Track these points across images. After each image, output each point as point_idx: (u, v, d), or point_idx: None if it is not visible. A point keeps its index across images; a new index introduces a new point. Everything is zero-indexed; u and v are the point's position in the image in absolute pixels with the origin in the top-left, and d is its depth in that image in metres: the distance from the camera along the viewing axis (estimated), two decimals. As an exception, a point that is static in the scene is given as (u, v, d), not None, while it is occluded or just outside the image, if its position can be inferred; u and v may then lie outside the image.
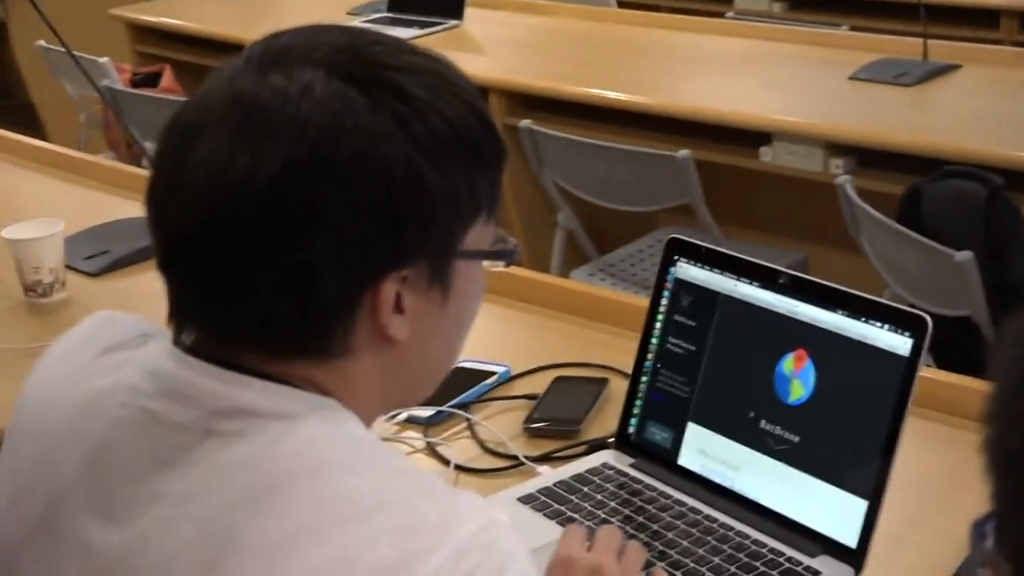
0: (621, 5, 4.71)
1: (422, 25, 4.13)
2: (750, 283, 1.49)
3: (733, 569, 1.37)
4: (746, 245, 3.35)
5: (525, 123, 3.36)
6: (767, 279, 1.48)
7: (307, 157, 0.92)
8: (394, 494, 0.93)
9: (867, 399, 1.37)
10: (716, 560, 1.38)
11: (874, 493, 1.34)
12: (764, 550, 1.39)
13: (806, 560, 1.37)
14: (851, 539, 1.36)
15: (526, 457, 1.63)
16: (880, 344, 1.37)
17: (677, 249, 1.58)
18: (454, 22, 4.16)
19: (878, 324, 1.37)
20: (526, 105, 3.61)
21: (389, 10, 4.31)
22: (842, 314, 1.40)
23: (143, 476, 0.96)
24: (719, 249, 1.55)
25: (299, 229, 0.93)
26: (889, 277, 2.78)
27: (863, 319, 1.39)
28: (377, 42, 1.00)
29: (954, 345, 2.64)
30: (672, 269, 1.58)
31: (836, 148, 3.09)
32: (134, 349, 1.04)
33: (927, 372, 1.77)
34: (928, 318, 1.34)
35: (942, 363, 2.52)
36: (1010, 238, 2.56)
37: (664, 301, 1.58)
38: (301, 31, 1.01)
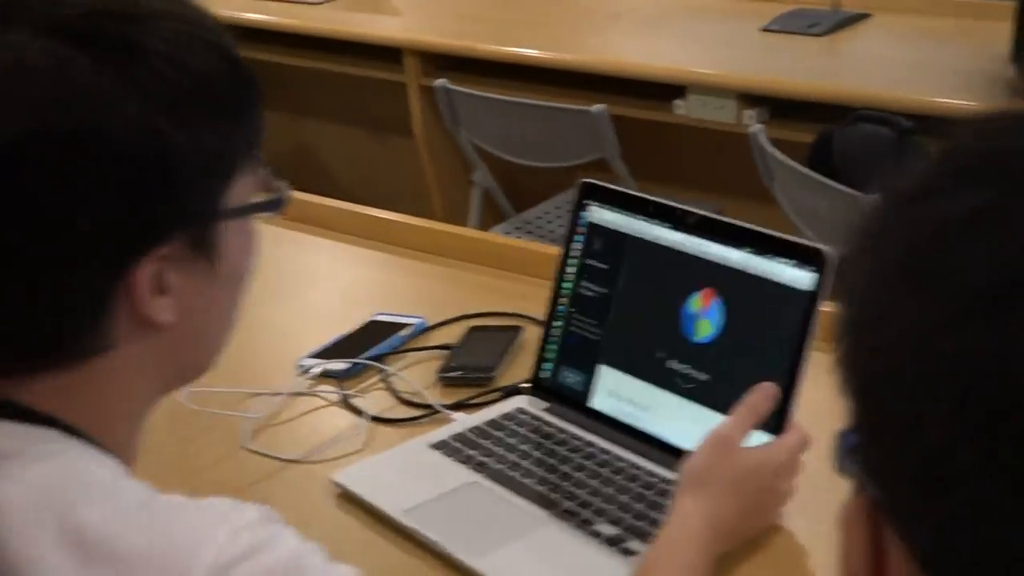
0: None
1: (334, -14, 4.09)
2: (660, 224, 1.49)
3: (640, 507, 1.37)
4: (662, 197, 3.35)
5: (440, 82, 3.35)
6: (675, 219, 1.48)
7: (25, 136, 0.81)
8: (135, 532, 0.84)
9: (774, 335, 1.37)
10: (624, 499, 1.39)
11: (778, 428, 1.34)
12: (672, 485, 1.40)
13: None
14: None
15: (441, 406, 1.62)
16: (784, 280, 1.37)
17: (589, 193, 1.58)
18: (366, -16, 4.13)
19: (782, 260, 1.38)
20: (441, 65, 3.60)
21: (301, -27, 4.25)
22: (748, 251, 1.41)
23: None
24: (630, 192, 1.56)
25: (29, 221, 0.82)
26: (803, 224, 2.80)
27: (768, 255, 1.39)
28: None
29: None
30: (584, 213, 1.58)
31: (749, 99, 3.11)
32: None
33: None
34: (830, 250, 1.35)
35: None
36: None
37: (577, 245, 1.58)
38: None
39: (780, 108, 3.09)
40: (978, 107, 0.57)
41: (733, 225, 1.44)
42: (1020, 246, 0.51)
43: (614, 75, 3.30)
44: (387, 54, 3.69)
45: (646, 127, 3.36)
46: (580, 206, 1.58)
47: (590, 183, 1.58)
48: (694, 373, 1.43)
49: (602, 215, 1.56)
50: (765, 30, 3.40)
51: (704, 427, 1.35)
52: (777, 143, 2.85)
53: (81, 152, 0.82)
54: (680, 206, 1.49)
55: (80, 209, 0.82)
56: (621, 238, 1.53)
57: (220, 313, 0.97)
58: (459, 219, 3.53)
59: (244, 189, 0.93)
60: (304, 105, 4.41)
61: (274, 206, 0.97)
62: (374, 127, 4.22)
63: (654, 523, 1.34)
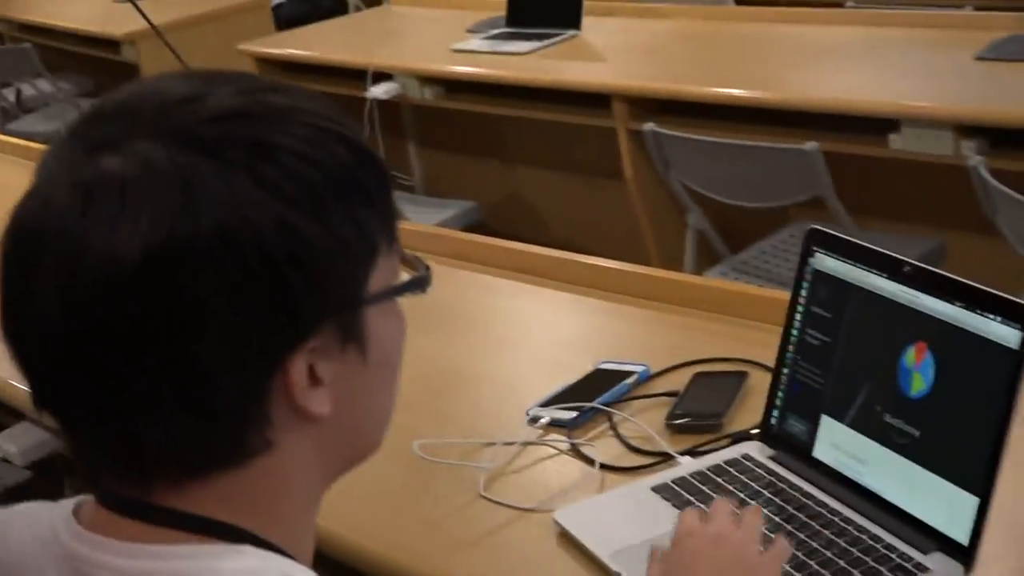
0: (739, 2, 4.70)
1: (541, 37, 4.17)
2: (878, 273, 1.49)
3: (842, 563, 1.37)
4: (882, 235, 3.31)
5: (649, 126, 3.37)
6: (891, 269, 1.47)
7: (164, 244, 0.81)
8: None
9: (982, 392, 1.35)
10: (828, 554, 1.39)
11: (984, 489, 1.33)
12: (879, 545, 1.39)
13: (918, 556, 1.36)
14: (963, 536, 1.35)
15: (669, 451, 1.64)
16: (991, 336, 1.35)
17: (815, 240, 1.58)
18: (573, 32, 4.19)
19: (990, 315, 1.35)
20: (648, 109, 3.62)
21: (507, 25, 4.35)
22: (959, 305, 1.39)
23: None
24: (851, 239, 1.55)
25: (176, 328, 0.82)
26: (1029, 257, 2.74)
27: (977, 310, 1.37)
28: (214, 88, 0.88)
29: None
30: (811, 260, 1.58)
31: (966, 130, 3.04)
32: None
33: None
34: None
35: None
36: None
37: (803, 292, 1.58)
38: (130, 89, 0.90)
39: (1000, 138, 3.03)
40: None
41: (942, 277, 1.42)
42: None
43: (825, 111, 3.28)
44: (595, 100, 3.73)
45: (860, 162, 3.32)
46: (807, 252, 1.58)
47: (817, 229, 1.58)
48: (908, 428, 1.42)
49: (826, 262, 1.56)
50: (979, 58, 3.33)
51: (914, 483, 1.34)
52: (998, 174, 2.79)
53: (221, 254, 0.82)
54: (895, 256, 1.47)
55: (223, 313, 0.82)
56: (844, 286, 1.52)
57: (376, 398, 0.96)
58: (674, 262, 3.55)
59: (386, 271, 0.93)
60: (517, 154, 4.49)
61: (418, 285, 0.97)
62: (585, 173, 4.27)
63: (851, 580, 1.33)
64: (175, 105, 0.86)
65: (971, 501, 1.33)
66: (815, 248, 1.58)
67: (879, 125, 3.18)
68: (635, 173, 3.69)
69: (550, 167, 4.41)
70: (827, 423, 1.52)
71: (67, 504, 0.95)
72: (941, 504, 1.37)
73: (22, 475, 2.45)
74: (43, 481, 2.51)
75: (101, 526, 0.90)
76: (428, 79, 4.18)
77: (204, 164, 0.83)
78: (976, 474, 1.34)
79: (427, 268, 0.98)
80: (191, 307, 0.82)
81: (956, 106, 3.09)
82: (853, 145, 3.28)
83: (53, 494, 2.51)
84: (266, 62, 4.80)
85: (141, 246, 0.81)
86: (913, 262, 1.46)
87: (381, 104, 4.23)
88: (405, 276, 0.97)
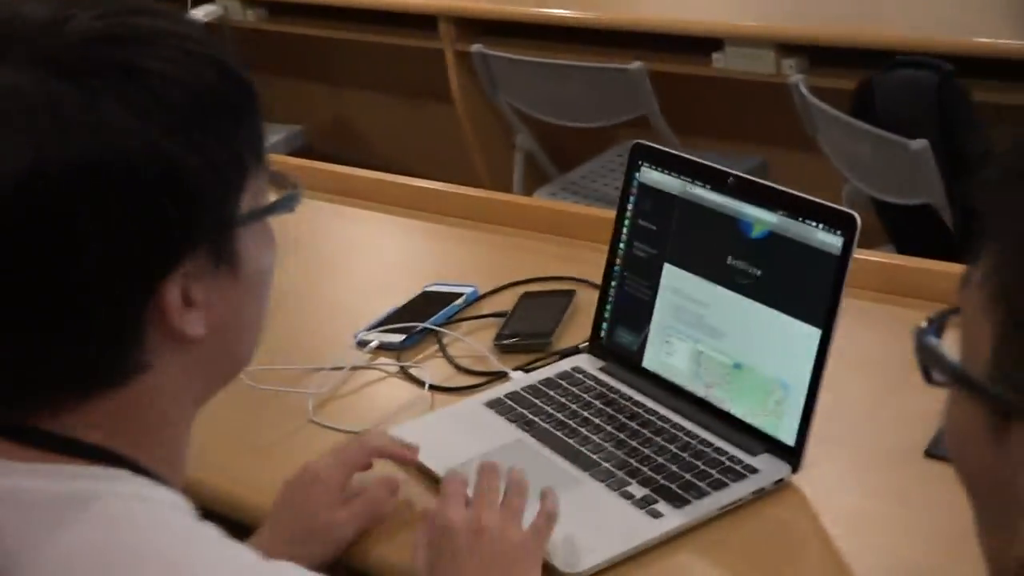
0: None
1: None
2: (703, 185, 1.50)
3: (674, 468, 1.39)
4: (706, 153, 3.34)
5: (476, 47, 3.35)
6: (716, 181, 1.49)
7: (34, 172, 0.80)
8: None
9: (808, 291, 1.39)
10: (660, 460, 1.41)
11: (808, 396, 1.37)
12: (709, 449, 1.42)
13: (746, 458, 1.39)
14: (789, 438, 1.38)
15: (502, 369, 1.64)
16: (814, 243, 1.38)
17: (640, 154, 1.59)
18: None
19: (813, 223, 1.38)
20: (476, 30, 3.60)
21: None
22: (782, 214, 1.41)
23: None
24: (676, 152, 1.56)
25: (49, 255, 0.82)
26: (848, 172, 2.80)
27: (800, 218, 1.39)
28: (77, 11, 0.86)
29: (915, 232, 2.67)
30: (636, 174, 1.59)
31: (787, 49, 3.10)
32: None
33: (887, 257, 1.81)
34: (856, 216, 1.35)
35: (904, 250, 2.56)
36: (962, 122, 2.58)
37: (630, 206, 1.59)
38: None
39: (819, 56, 3.08)
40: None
41: (768, 187, 1.44)
42: None
43: (650, 31, 3.29)
44: (422, 21, 3.69)
45: (685, 82, 3.36)
46: (633, 166, 1.59)
47: (642, 144, 1.59)
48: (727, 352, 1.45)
49: (651, 176, 1.56)
50: (800, -22, 3.38)
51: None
52: (818, 92, 2.84)
53: (94, 183, 0.82)
54: (721, 168, 1.49)
55: (97, 239, 0.82)
56: (670, 199, 1.53)
57: (249, 317, 0.97)
58: (503, 183, 3.55)
59: (256, 192, 0.93)
60: (342, 77, 4.43)
61: (286, 204, 0.98)
62: (413, 96, 4.24)
63: (686, 485, 1.36)
64: (38, 29, 0.84)
65: (798, 398, 1.36)
66: (640, 162, 1.58)
67: (703, 44, 3.22)
68: (463, 95, 3.66)
69: (377, 90, 4.36)
70: (668, 271, 1.53)
71: None
72: (769, 400, 1.40)
73: None
74: None
75: None
76: (251, 1, 4.08)
77: (71, 90, 0.82)
78: (798, 377, 1.37)
79: (295, 186, 0.99)
80: (64, 234, 0.82)
81: (777, 25, 3.14)
82: (677, 65, 3.31)
83: None
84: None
85: (12, 173, 0.80)
86: (737, 173, 1.47)
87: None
88: (273, 196, 0.98)
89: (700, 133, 3.57)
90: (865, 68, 2.82)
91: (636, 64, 3.07)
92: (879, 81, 2.69)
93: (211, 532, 0.89)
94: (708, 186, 1.50)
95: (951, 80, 2.58)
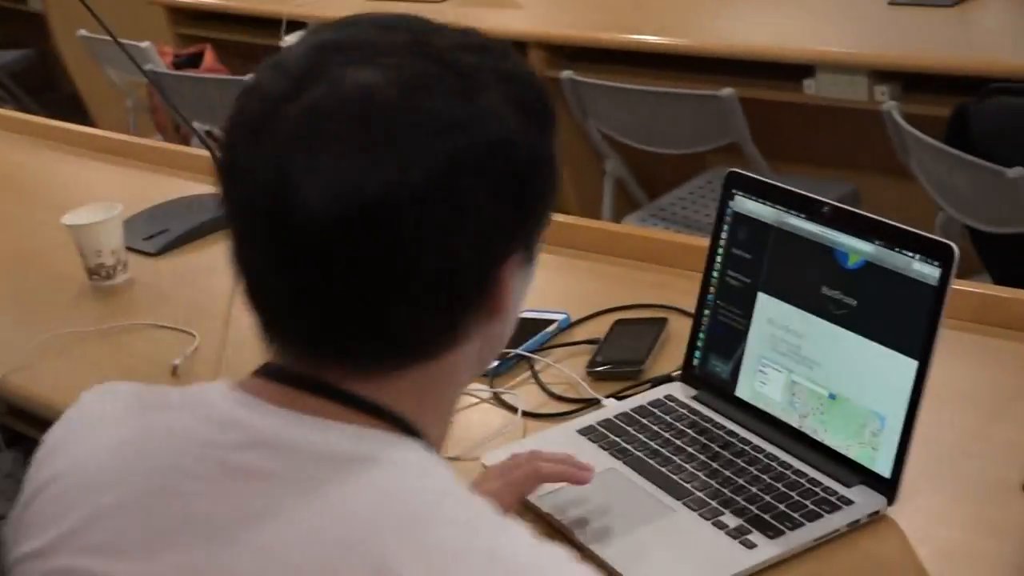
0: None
1: (458, -15, 4.14)
2: (797, 214, 1.50)
3: (768, 498, 1.39)
4: (797, 179, 3.34)
5: (566, 74, 3.37)
6: (810, 209, 1.48)
7: (447, 156, 0.88)
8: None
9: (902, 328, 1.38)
10: (753, 490, 1.40)
11: (904, 428, 1.36)
12: (803, 480, 1.41)
13: (841, 489, 1.39)
14: (886, 469, 1.37)
15: (594, 396, 1.65)
16: (911, 273, 1.37)
17: (734, 182, 1.59)
18: (489, -20, 4.17)
19: (909, 253, 1.38)
20: (566, 56, 3.62)
21: (423, -28, 4.31)
22: (879, 244, 1.41)
23: (219, 527, 0.90)
24: (770, 181, 1.56)
25: (444, 232, 0.89)
26: (942, 201, 2.77)
27: (896, 248, 1.39)
28: (437, 30, 0.95)
29: (1011, 262, 2.63)
30: (731, 202, 1.59)
31: (880, 75, 3.08)
32: (172, 408, 0.99)
33: (983, 287, 1.79)
34: (954, 246, 1.34)
35: (1000, 280, 2.53)
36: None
37: (723, 234, 1.59)
38: (347, 27, 0.95)
39: (913, 83, 3.06)
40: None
41: (864, 217, 1.44)
42: None
43: (741, 58, 3.29)
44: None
45: (776, 108, 3.35)
46: (727, 195, 1.59)
47: (737, 173, 1.59)
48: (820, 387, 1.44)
49: (745, 205, 1.57)
50: (892, 3, 3.36)
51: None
52: (911, 118, 2.82)
53: (490, 163, 0.90)
54: (815, 197, 1.48)
55: (486, 215, 0.91)
56: (764, 228, 1.53)
57: (519, 306, 1.02)
58: (592, 209, 3.55)
59: None
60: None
61: None
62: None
63: (780, 516, 1.36)
64: (403, 45, 0.92)
65: (893, 434, 1.36)
66: (735, 191, 1.59)
67: (794, 70, 3.21)
68: (553, 121, 3.67)
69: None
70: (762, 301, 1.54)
71: (212, 390, 0.97)
72: (865, 432, 1.39)
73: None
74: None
75: (274, 398, 0.94)
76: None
77: (461, 85, 0.90)
78: (896, 411, 1.36)
79: None
80: (459, 211, 0.89)
81: (870, 51, 3.12)
82: (768, 91, 3.30)
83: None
84: (177, 11, 4.74)
85: (431, 158, 0.88)
86: (832, 202, 1.47)
87: (295, 53, 4.17)
88: None
89: (791, 159, 3.56)
90: (959, 95, 2.80)
91: (727, 91, 3.06)
92: (974, 108, 2.67)
93: (490, 507, 0.92)
94: (803, 215, 1.49)
95: (1048, 107, 2.55)
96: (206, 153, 2.43)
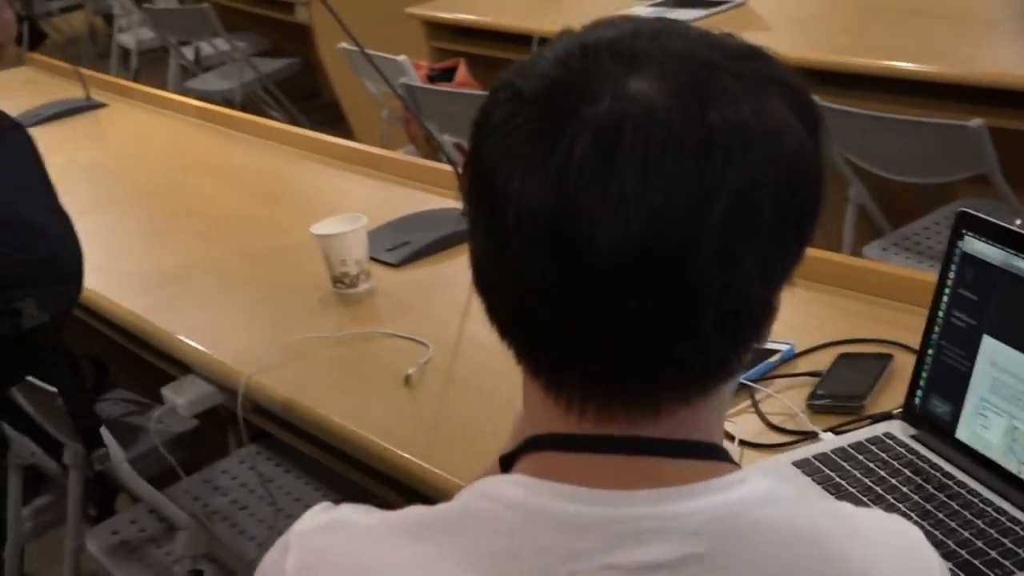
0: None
1: (708, 5, 4.16)
2: (1028, 258, 1.48)
3: (980, 544, 1.37)
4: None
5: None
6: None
7: (755, 173, 0.80)
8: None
9: None
10: (966, 534, 1.39)
11: None
12: (1018, 528, 1.39)
13: None
14: None
15: (812, 429, 1.66)
16: None
17: (964, 223, 1.58)
18: (739, 1, 4.17)
19: None
20: (813, 79, 3.59)
21: (675, -8, 4.34)
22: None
23: None
24: (1001, 224, 1.54)
25: (741, 251, 0.81)
26: None
27: None
28: (702, 36, 0.86)
29: None
30: (959, 243, 1.58)
31: None
32: (467, 528, 0.86)
33: None
34: None
35: None
36: None
37: (951, 274, 1.58)
38: (610, 28, 0.86)
39: None
40: None
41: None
42: None
43: (993, 86, 3.21)
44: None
45: (1028, 139, 3.26)
46: (956, 235, 1.58)
47: (967, 213, 1.58)
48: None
49: (974, 246, 1.55)
50: None
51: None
52: None
53: (788, 180, 0.82)
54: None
55: (777, 232, 0.83)
56: (993, 271, 1.52)
57: None
58: (834, 235, 3.52)
59: None
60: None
61: None
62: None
63: (991, 563, 1.34)
64: (690, 40, 0.85)
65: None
66: (964, 231, 1.57)
67: (1049, 102, 3.11)
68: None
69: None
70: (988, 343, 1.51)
71: (494, 485, 0.87)
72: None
73: (189, 423, 2.57)
74: (208, 430, 2.62)
75: (600, 478, 0.85)
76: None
77: (752, 90, 0.83)
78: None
79: None
80: (758, 228, 0.81)
81: None
82: (1019, 121, 3.21)
83: (218, 443, 2.62)
84: (435, 25, 4.87)
85: (749, 171, 0.80)
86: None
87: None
88: None
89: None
90: None
91: (976, 121, 2.99)
92: None
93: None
94: (1034, 260, 1.48)
95: None
96: (450, 168, 2.53)
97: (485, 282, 0.87)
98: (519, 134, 0.82)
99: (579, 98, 0.80)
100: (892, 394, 1.70)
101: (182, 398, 2.16)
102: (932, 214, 3.44)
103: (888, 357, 1.79)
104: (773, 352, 1.84)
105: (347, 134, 5.41)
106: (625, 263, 0.79)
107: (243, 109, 5.72)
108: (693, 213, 0.79)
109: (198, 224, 2.83)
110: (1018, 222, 3.03)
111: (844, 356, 1.82)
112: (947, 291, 1.59)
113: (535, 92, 0.82)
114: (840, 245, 3.46)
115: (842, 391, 1.73)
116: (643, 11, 4.22)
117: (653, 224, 0.78)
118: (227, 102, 5.93)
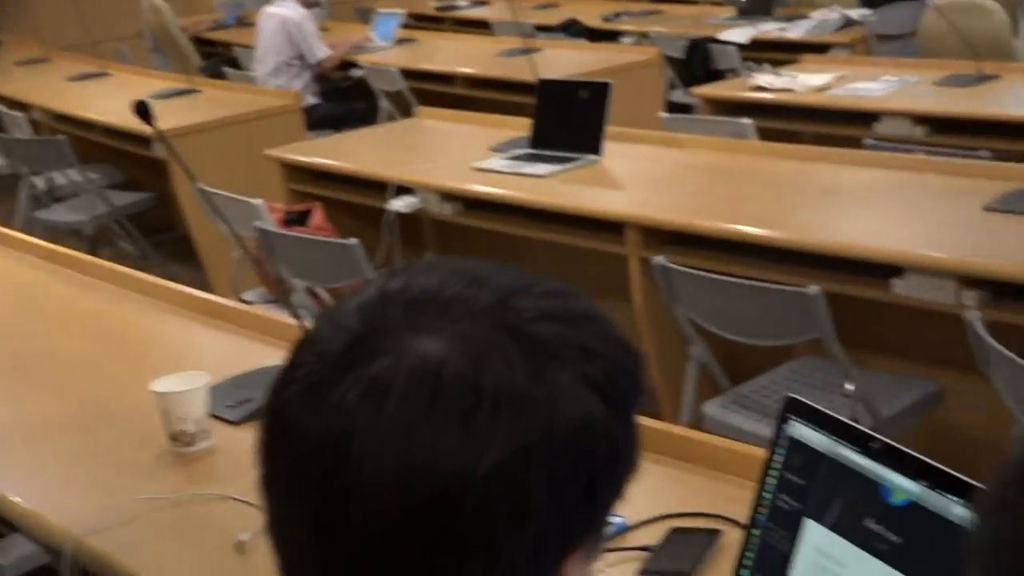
0: (763, 135, 4.77)
1: (562, 161, 4.25)
2: (850, 446, 1.52)
3: None
4: (880, 374, 3.36)
5: (658, 260, 3.43)
6: (861, 443, 1.51)
7: (523, 441, 0.80)
8: None
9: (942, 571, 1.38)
10: None
11: None
12: None
13: None
14: None
15: (638, 611, 1.67)
16: (951, 517, 1.38)
17: (791, 408, 1.62)
18: (593, 157, 4.26)
19: (951, 496, 1.39)
20: (661, 238, 3.68)
21: (531, 146, 4.42)
22: (923, 484, 1.42)
23: None
24: (825, 411, 1.59)
25: (506, 526, 0.80)
26: (1022, 416, 2.76)
27: (939, 490, 1.40)
28: (524, 290, 0.89)
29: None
30: (785, 427, 1.62)
31: (969, 281, 3.09)
32: None
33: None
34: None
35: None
36: None
37: (777, 457, 1.62)
38: (423, 275, 0.88)
39: (1003, 289, 3.06)
40: None
41: (910, 457, 1.45)
42: None
43: (831, 254, 3.33)
44: (609, 226, 3.80)
45: (865, 303, 3.36)
46: (783, 419, 1.62)
47: (794, 399, 1.62)
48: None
49: (800, 431, 1.59)
50: (988, 209, 3.38)
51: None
52: (997, 326, 2.83)
53: (565, 454, 0.81)
54: (865, 431, 1.51)
55: (544, 511, 0.81)
56: (817, 456, 1.56)
57: None
58: (676, 392, 3.58)
59: None
60: (529, 270, 4.53)
61: None
62: (594, 294, 4.28)
63: None
64: (508, 295, 0.87)
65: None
66: (790, 416, 1.62)
67: (883, 269, 3.23)
68: (644, 301, 3.74)
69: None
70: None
71: None
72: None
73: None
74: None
75: None
76: (448, 195, 4.26)
77: (543, 360, 0.83)
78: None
79: None
80: (526, 505, 0.81)
81: (960, 258, 3.13)
82: (856, 287, 3.32)
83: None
84: (293, 168, 4.90)
85: (506, 444, 0.80)
86: (881, 439, 1.49)
87: (402, 215, 4.32)
88: None
89: (877, 353, 3.57)
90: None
91: (814, 288, 3.09)
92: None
93: None
94: (854, 447, 1.52)
95: None
96: (296, 323, 2.53)
97: (271, 521, 0.89)
98: (308, 377, 0.85)
99: (361, 352, 0.83)
100: (720, 571, 1.72)
101: (6, 558, 2.10)
102: (771, 372, 3.53)
103: (716, 532, 1.82)
104: (606, 525, 1.86)
105: (199, 270, 5.38)
106: (383, 511, 0.80)
107: (94, 241, 5.66)
108: (462, 471, 0.79)
109: (33, 374, 2.77)
110: (848, 387, 3.13)
111: (676, 531, 1.84)
112: (773, 473, 1.62)
113: (328, 340, 0.86)
114: (680, 401, 3.53)
115: (670, 568, 1.75)
116: (499, 164, 4.30)
117: (420, 479, 0.79)
118: (77, 234, 5.87)
